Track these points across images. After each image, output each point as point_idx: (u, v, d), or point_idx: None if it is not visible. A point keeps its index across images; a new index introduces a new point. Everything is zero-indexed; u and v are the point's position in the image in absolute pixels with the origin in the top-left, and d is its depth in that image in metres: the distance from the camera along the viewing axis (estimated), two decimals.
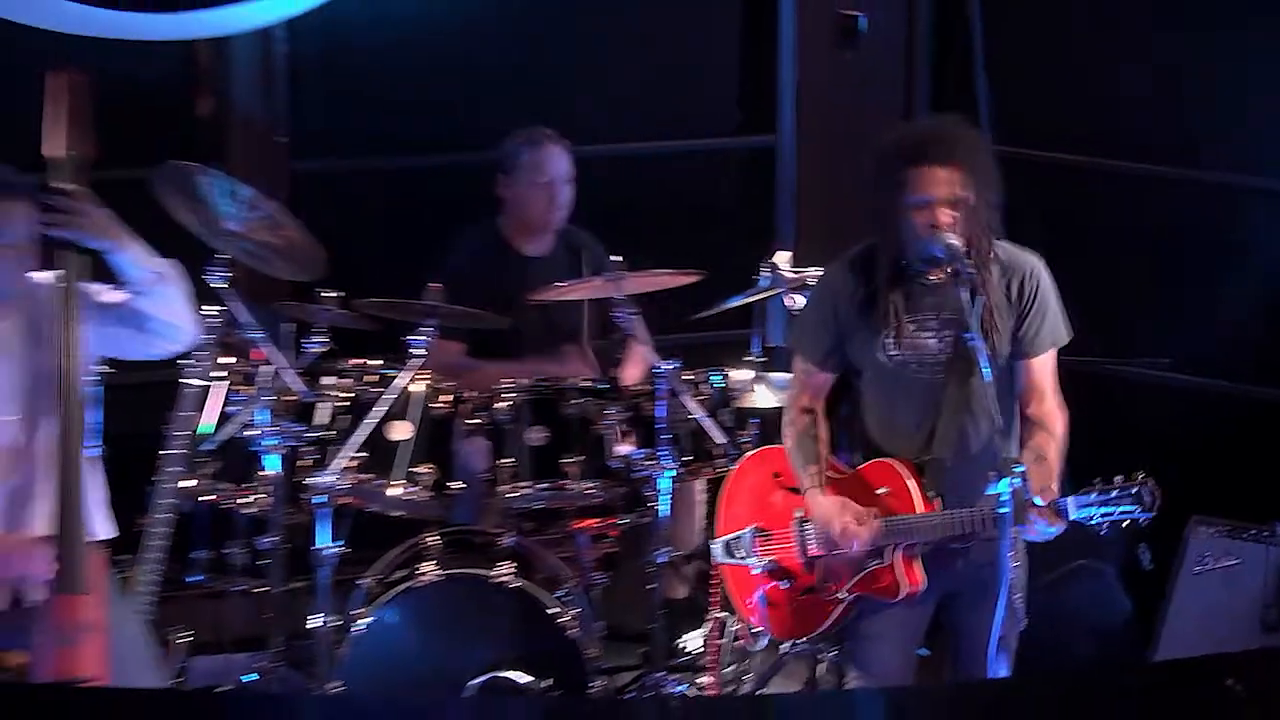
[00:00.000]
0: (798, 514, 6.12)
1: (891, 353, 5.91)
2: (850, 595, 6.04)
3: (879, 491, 5.96)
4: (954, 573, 6.00)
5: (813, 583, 6.11)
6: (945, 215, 5.72)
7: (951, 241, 5.70)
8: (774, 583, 6.20)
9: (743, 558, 6.26)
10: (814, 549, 6.07)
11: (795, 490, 6.12)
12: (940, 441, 5.93)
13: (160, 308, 5.76)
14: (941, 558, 5.98)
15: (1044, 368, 5.97)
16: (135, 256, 5.70)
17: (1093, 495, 5.64)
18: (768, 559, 6.20)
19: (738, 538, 6.28)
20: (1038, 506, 5.66)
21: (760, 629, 6.42)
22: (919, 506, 5.91)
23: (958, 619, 6.09)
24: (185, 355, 6.55)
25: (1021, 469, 5.54)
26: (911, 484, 5.92)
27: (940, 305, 5.88)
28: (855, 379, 6.04)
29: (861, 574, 5.98)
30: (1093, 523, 5.68)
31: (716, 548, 6.37)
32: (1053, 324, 5.97)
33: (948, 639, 6.20)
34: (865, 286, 5.92)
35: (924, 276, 5.86)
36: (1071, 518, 5.67)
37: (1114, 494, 5.62)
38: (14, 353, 5.69)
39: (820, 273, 6.28)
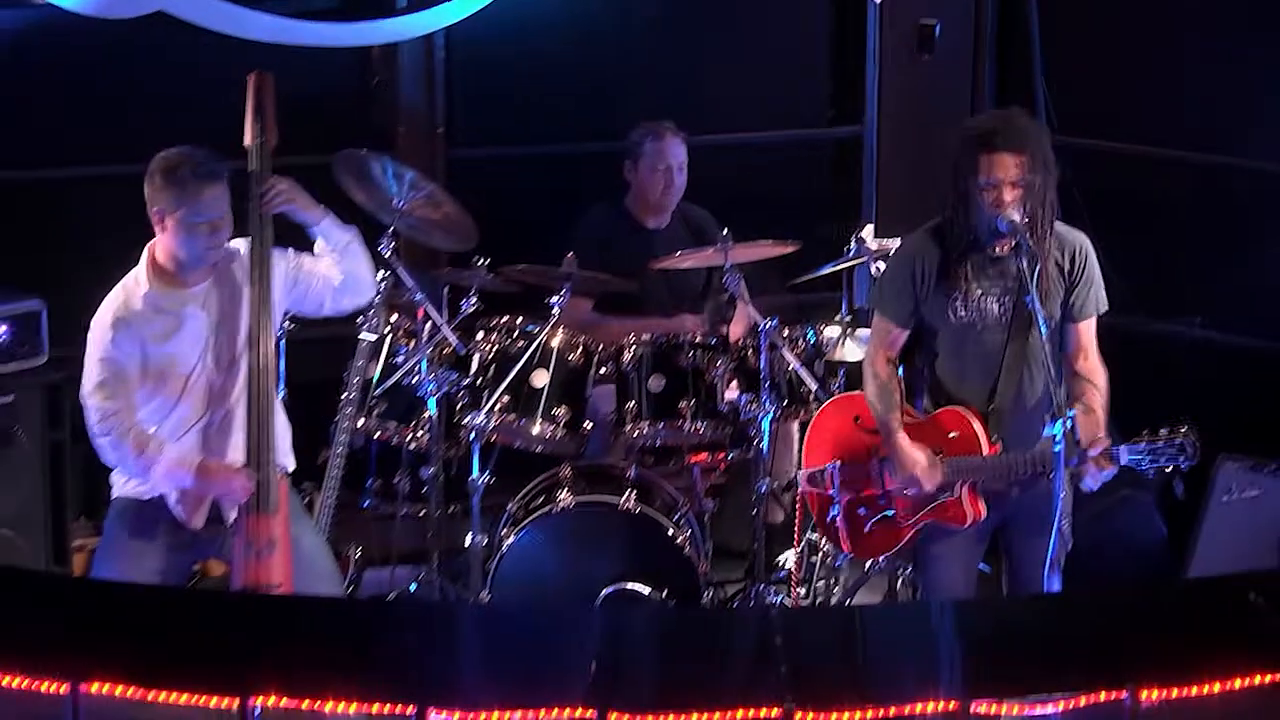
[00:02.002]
0: (877, 453, 6.09)
1: (960, 314, 5.88)
2: (922, 522, 6.02)
3: (950, 435, 5.93)
4: (1011, 502, 5.96)
5: (888, 510, 6.08)
6: (1009, 194, 5.68)
7: (1014, 217, 5.66)
8: (853, 510, 6.18)
9: (826, 488, 6.24)
10: (890, 483, 6.04)
11: (873, 431, 6.09)
12: (1002, 394, 5.89)
13: (354, 265, 5.84)
14: (1000, 490, 5.95)
15: (1089, 331, 5.92)
16: (332, 224, 5.79)
17: (1142, 445, 5.64)
18: (849, 490, 6.18)
19: (822, 471, 6.25)
20: (1093, 457, 5.64)
21: (840, 549, 6.41)
22: (984, 449, 5.89)
23: (1014, 542, 6.05)
24: (359, 314, 6.60)
25: (1072, 414, 5.52)
26: (978, 429, 5.89)
27: (1003, 274, 5.83)
28: (928, 336, 6.00)
29: (933, 505, 5.96)
30: (1141, 467, 5.67)
31: (802, 478, 6.36)
32: (1097, 293, 5.92)
33: (1004, 559, 6.17)
34: (940, 255, 5.88)
35: (990, 248, 5.82)
36: (1123, 463, 5.65)
37: (1161, 444, 5.62)
38: (212, 308, 5.75)
39: (900, 242, 6.23)
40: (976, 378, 5.92)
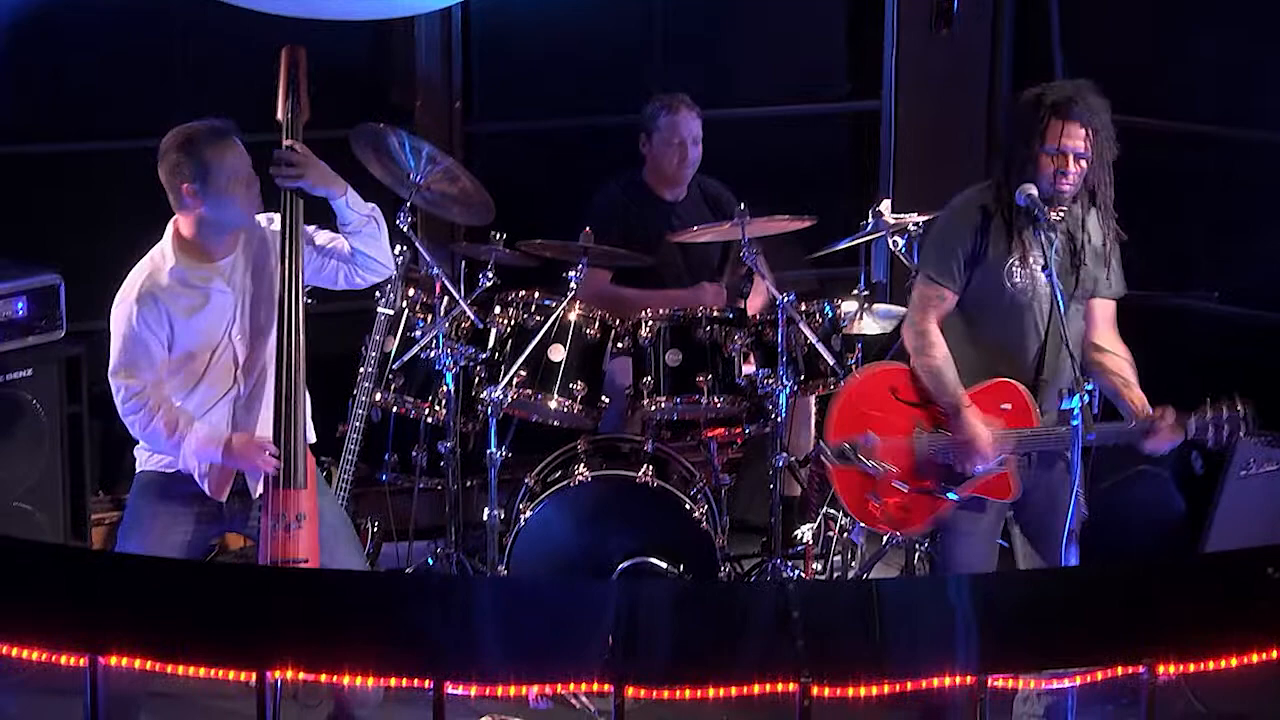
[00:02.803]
0: (920, 425, 6.03)
1: (1015, 280, 5.83)
2: (968, 494, 5.94)
3: (1003, 406, 5.86)
4: (1028, 478, 5.93)
5: (927, 485, 6.00)
6: (1074, 165, 5.67)
7: (1031, 192, 5.65)
8: (888, 484, 6.10)
9: (859, 461, 6.13)
10: (939, 458, 5.95)
11: (912, 404, 5.99)
12: (1047, 366, 5.86)
13: (368, 244, 5.82)
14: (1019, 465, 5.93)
15: (1113, 307, 5.93)
16: (351, 201, 5.76)
17: (1207, 416, 5.67)
18: (885, 463, 6.13)
19: (854, 445, 6.09)
20: (1167, 425, 5.65)
21: (871, 526, 6.31)
22: (1037, 422, 5.85)
23: (1031, 516, 6.02)
24: (377, 287, 6.61)
25: (1090, 388, 5.51)
26: (1030, 401, 5.84)
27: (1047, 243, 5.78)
28: (970, 306, 5.90)
29: (980, 477, 5.92)
30: (1207, 439, 5.70)
31: (829, 452, 6.21)
32: (1122, 272, 5.94)
33: (1023, 535, 6.15)
34: (994, 219, 5.84)
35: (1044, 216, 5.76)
36: (1191, 435, 5.68)
37: (1226, 415, 5.65)
38: (238, 283, 5.75)
39: (947, 207, 6.13)
40: (1023, 348, 5.87)
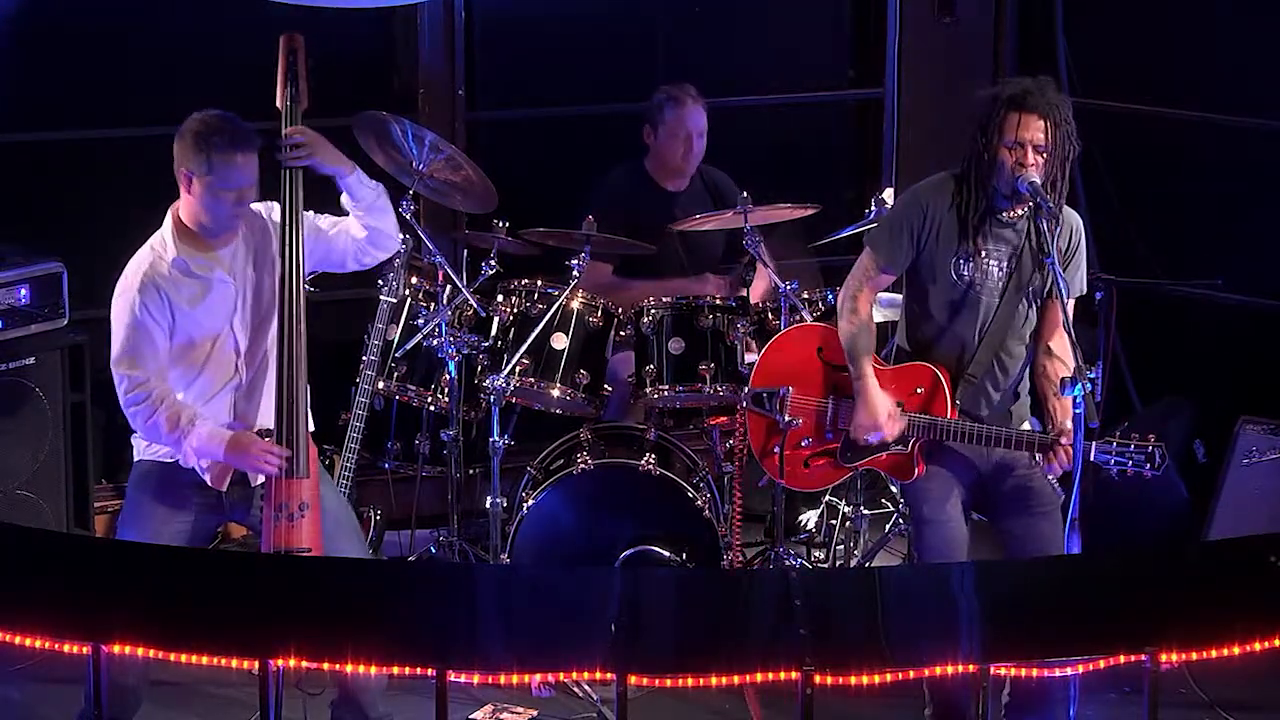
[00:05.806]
0: (835, 389, 6.09)
1: (963, 273, 5.87)
2: (864, 467, 6.10)
3: (916, 390, 5.94)
4: (983, 470, 5.94)
5: (831, 449, 6.10)
6: (1033, 157, 5.68)
7: (1034, 179, 5.66)
8: (797, 440, 6.17)
9: (773, 411, 6.22)
10: (843, 422, 6.04)
11: (835, 367, 6.08)
12: (979, 359, 5.90)
13: (379, 219, 5.83)
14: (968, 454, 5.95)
15: (1069, 309, 5.82)
16: (359, 178, 5.77)
17: (1114, 445, 5.63)
18: (797, 419, 6.18)
19: (774, 393, 6.20)
20: (1062, 445, 5.65)
21: (771, 475, 6.36)
22: (948, 412, 5.89)
23: (1003, 521, 6.00)
24: (379, 276, 6.61)
25: (1094, 375, 5.50)
26: (946, 390, 5.89)
27: (1011, 238, 5.84)
28: (917, 287, 5.98)
29: (881, 453, 5.98)
30: (1108, 467, 5.68)
31: (749, 396, 6.31)
32: (1083, 274, 5.96)
33: (996, 534, 6.14)
34: (953, 208, 5.87)
35: (1005, 210, 5.81)
36: (1091, 459, 5.61)
37: (1131, 448, 5.61)
38: (239, 272, 5.74)
39: (912, 186, 6.18)
40: (959, 338, 5.93)
